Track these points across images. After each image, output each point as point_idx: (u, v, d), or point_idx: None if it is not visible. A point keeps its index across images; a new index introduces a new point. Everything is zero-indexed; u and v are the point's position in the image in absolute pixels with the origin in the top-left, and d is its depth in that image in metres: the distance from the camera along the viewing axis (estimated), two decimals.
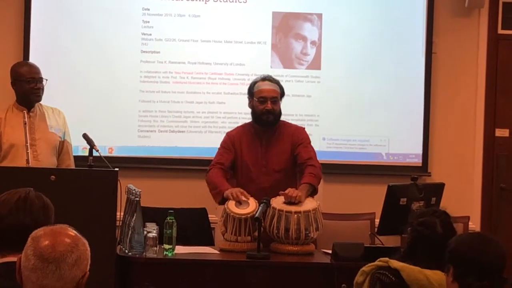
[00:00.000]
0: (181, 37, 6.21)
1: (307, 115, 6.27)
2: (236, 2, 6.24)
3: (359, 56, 6.33)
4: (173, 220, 4.45)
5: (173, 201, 5.42)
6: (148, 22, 6.19)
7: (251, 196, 4.75)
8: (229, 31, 6.25)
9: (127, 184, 4.62)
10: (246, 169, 5.00)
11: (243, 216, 4.64)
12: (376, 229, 4.98)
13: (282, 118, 5.11)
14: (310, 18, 6.32)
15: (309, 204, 4.72)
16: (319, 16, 6.31)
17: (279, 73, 6.10)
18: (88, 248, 2.32)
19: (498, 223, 6.44)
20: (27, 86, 5.01)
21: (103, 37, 6.15)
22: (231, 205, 4.70)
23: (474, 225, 6.23)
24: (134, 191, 4.46)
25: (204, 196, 5.39)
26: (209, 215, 5.37)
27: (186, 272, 4.43)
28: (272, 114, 4.99)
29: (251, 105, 5.07)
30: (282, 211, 4.64)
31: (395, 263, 3.32)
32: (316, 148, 5.18)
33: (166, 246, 4.45)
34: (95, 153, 4.75)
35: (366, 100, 6.32)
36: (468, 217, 5.97)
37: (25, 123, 4.80)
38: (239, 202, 4.71)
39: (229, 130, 5.35)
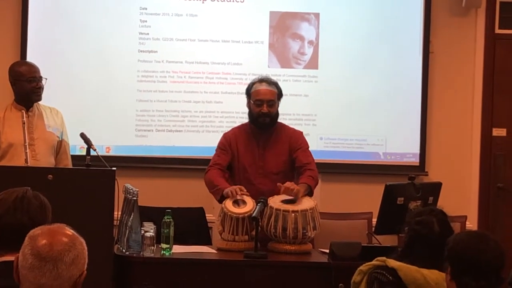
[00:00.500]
0: (179, 36, 6.21)
1: (305, 115, 6.27)
2: (233, 1, 6.24)
3: (356, 55, 6.33)
4: (171, 220, 4.45)
5: (171, 200, 5.42)
6: (146, 21, 6.19)
7: (250, 197, 4.75)
8: (227, 30, 6.25)
9: (125, 184, 4.63)
10: (243, 170, 5.00)
11: (240, 216, 4.65)
12: (373, 229, 4.98)
13: (280, 117, 5.11)
14: (307, 17, 6.32)
15: (306, 203, 4.72)
16: (317, 15, 6.31)
17: (276, 72, 6.11)
18: (86, 247, 2.32)
19: (495, 223, 6.44)
20: (28, 86, 5.01)
21: (100, 36, 6.15)
22: (228, 204, 4.70)
23: (471, 224, 6.24)
24: (131, 191, 4.46)
25: (202, 195, 5.40)
26: (206, 215, 5.36)
27: (183, 271, 4.43)
28: (268, 116, 4.99)
29: (248, 105, 5.07)
30: (280, 210, 4.64)
31: (392, 263, 3.32)
32: (313, 148, 5.19)
33: (164, 246, 4.45)
34: (92, 153, 4.75)
35: (363, 100, 6.32)
36: (466, 217, 5.98)
37: (24, 123, 4.80)
38: (236, 202, 4.71)
39: (226, 129, 5.35)
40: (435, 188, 4.95)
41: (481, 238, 2.87)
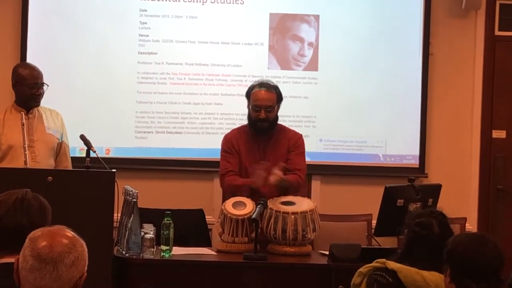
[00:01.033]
0: (178, 38, 6.22)
1: (304, 116, 6.27)
2: (233, 3, 6.25)
3: (356, 57, 6.33)
4: (170, 221, 4.45)
5: (170, 202, 5.42)
6: (146, 23, 6.19)
7: (249, 199, 4.75)
8: (226, 32, 6.25)
9: (124, 185, 4.62)
10: (244, 171, 5.00)
11: (240, 217, 4.65)
12: (373, 230, 4.98)
13: (279, 119, 5.10)
14: (307, 19, 6.32)
15: (306, 205, 4.72)
16: (316, 17, 6.31)
17: (276, 74, 6.11)
18: (86, 249, 2.32)
19: (495, 224, 6.44)
20: (28, 91, 4.99)
21: (100, 38, 6.15)
22: (228, 206, 4.70)
23: (471, 226, 6.24)
24: (131, 192, 4.46)
25: (201, 197, 5.42)
26: (206, 216, 5.36)
27: (183, 273, 4.43)
28: (266, 122, 4.98)
29: (248, 108, 5.07)
30: (279, 212, 4.64)
31: (392, 264, 3.32)
32: (313, 150, 5.19)
33: (163, 247, 4.45)
34: (92, 154, 4.75)
35: (363, 102, 6.33)
36: (465, 218, 5.98)
37: (23, 125, 4.80)
38: (236, 203, 4.71)
39: (226, 131, 5.34)
40: (435, 190, 4.95)
41: (480, 239, 2.87)
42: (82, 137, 4.89)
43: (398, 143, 6.37)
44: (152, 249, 4.40)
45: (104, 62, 6.15)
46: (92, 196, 4.42)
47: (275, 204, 4.68)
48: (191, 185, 5.95)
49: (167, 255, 4.45)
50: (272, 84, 5.08)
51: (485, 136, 6.46)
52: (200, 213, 5.32)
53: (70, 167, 5.13)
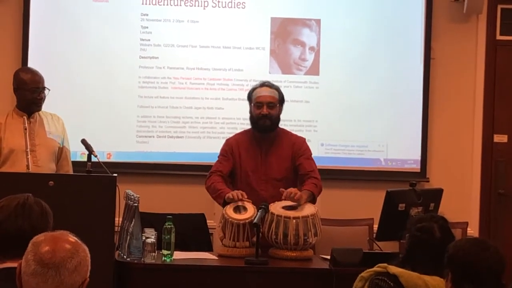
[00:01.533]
0: (180, 42, 6.22)
1: (306, 121, 6.27)
2: (234, 8, 6.25)
3: (357, 61, 6.34)
4: (172, 226, 4.45)
5: (172, 206, 5.42)
6: (147, 27, 6.20)
7: (251, 204, 4.74)
8: (228, 36, 6.25)
9: (126, 190, 4.62)
10: (245, 176, 4.99)
11: (241, 222, 4.65)
12: (374, 235, 4.98)
13: (281, 123, 5.10)
14: (308, 23, 6.33)
15: (307, 209, 4.72)
16: (318, 22, 6.32)
17: (277, 78, 6.11)
18: (89, 255, 2.32)
19: (496, 229, 6.44)
20: (30, 96, 5.00)
21: (101, 42, 6.16)
22: (229, 210, 4.70)
23: (473, 230, 6.23)
24: (132, 197, 4.46)
25: (203, 201, 5.40)
26: (207, 221, 5.36)
27: (184, 277, 4.42)
28: (269, 119, 4.97)
29: (250, 110, 5.07)
30: (281, 216, 4.64)
31: (393, 269, 3.32)
32: (314, 154, 5.18)
33: (165, 252, 4.45)
34: (93, 159, 4.75)
35: (364, 106, 6.33)
36: (467, 223, 5.98)
37: (26, 129, 4.80)
38: (237, 208, 4.71)
39: (227, 135, 5.36)
40: (436, 194, 4.95)
41: (481, 244, 2.88)
42: (84, 141, 4.90)
43: (400, 148, 6.37)
44: (153, 254, 4.40)
45: (106, 66, 6.16)
46: (93, 200, 4.42)
47: (277, 209, 4.68)
48: (192, 190, 5.95)
49: (168, 260, 4.45)
50: (273, 84, 5.10)
51: (487, 141, 6.45)
52: (201, 218, 5.32)
53: (71, 172, 5.13)
